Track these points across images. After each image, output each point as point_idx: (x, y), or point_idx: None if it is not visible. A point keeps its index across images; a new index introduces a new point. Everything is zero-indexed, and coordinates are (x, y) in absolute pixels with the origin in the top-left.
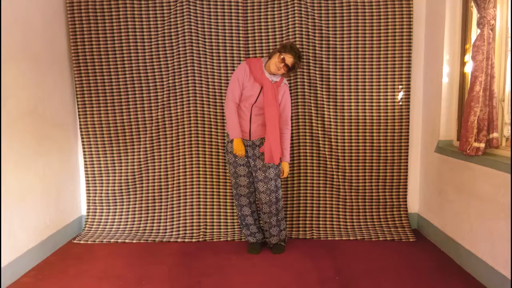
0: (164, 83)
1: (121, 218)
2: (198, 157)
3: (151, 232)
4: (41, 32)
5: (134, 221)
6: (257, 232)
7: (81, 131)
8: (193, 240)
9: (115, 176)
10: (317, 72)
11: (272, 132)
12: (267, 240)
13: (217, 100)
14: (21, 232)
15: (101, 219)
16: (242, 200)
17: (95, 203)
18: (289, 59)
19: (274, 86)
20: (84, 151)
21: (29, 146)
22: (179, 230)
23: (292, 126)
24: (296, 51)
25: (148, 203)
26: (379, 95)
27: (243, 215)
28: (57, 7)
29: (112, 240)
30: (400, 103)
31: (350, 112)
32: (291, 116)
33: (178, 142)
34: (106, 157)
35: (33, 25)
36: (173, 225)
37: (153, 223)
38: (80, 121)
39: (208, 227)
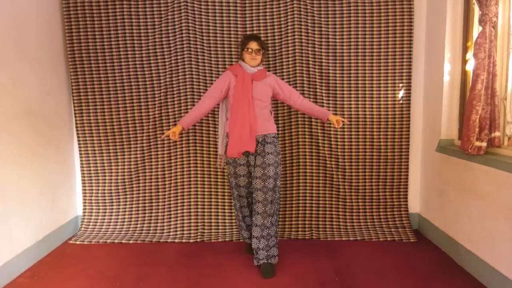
0: (161, 81)
1: (117, 218)
2: (196, 156)
3: (148, 232)
4: (37, 30)
5: (131, 221)
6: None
7: (77, 130)
8: (191, 240)
9: (111, 176)
10: (316, 70)
11: (233, 126)
12: (254, 257)
13: None
14: (17, 232)
15: (97, 219)
16: (242, 201)
17: (91, 203)
18: (252, 45)
19: (249, 77)
20: (80, 150)
21: (25, 146)
22: (176, 230)
23: (291, 125)
24: (252, 35)
25: (145, 203)
26: (380, 94)
27: (243, 216)
28: (53, 5)
29: (108, 241)
30: (401, 102)
31: (350, 111)
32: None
33: (176, 141)
34: (102, 156)
35: (29, 24)
36: (170, 225)
37: (150, 223)
38: (76, 120)
39: (206, 227)
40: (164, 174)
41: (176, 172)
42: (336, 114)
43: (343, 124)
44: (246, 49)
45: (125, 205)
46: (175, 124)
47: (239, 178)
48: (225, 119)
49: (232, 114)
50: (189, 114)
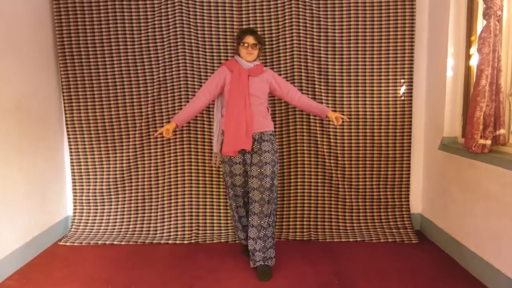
0: (155, 77)
1: (109, 219)
2: (190, 154)
3: (141, 234)
4: (26, 25)
5: (123, 222)
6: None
7: (67, 128)
8: (185, 241)
9: (102, 175)
10: (315, 66)
11: (228, 123)
12: (250, 259)
13: None
14: (4, 233)
15: (88, 219)
16: (238, 201)
17: (82, 203)
18: (248, 39)
19: (245, 72)
20: (70, 149)
21: (13, 144)
22: (170, 231)
23: (288, 122)
24: (248, 29)
25: (137, 203)
26: (380, 90)
27: (238, 216)
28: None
29: (100, 242)
30: (403, 98)
31: (350, 108)
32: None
33: (169, 139)
34: (93, 154)
35: (18, 18)
36: (164, 226)
37: (143, 224)
38: (66, 117)
39: (200, 228)
40: (157, 173)
41: (169, 171)
42: (335, 111)
43: (343, 122)
44: (242, 44)
45: (117, 205)
46: (168, 122)
47: (235, 177)
48: (220, 116)
49: (228, 111)
50: (183, 111)
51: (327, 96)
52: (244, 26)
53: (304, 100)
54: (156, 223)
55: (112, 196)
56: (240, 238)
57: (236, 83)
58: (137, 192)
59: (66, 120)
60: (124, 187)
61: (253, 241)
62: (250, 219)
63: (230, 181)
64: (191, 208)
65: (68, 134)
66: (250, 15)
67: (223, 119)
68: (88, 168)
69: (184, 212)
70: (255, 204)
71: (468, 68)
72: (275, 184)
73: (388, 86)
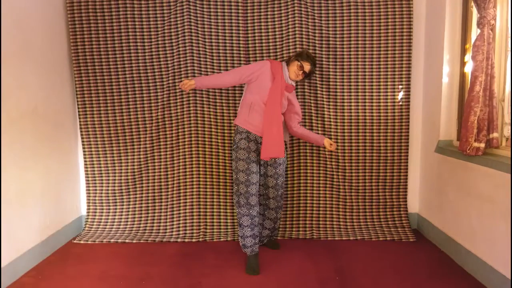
0: (164, 83)
1: (121, 218)
2: (198, 157)
3: (151, 232)
4: (41, 32)
5: (134, 221)
6: (258, 242)
7: (81, 131)
8: (193, 240)
9: (115, 176)
10: (317, 73)
11: (269, 127)
12: (263, 237)
13: (217, 100)
14: (21, 232)
15: (101, 219)
16: (253, 200)
17: (95, 203)
18: (307, 67)
19: (284, 85)
20: (84, 151)
21: (29, 146)
22: (179, 230)
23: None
24: (312, 58)
25: (148, 203)
26: (379, 95)
27: (251, 216)
28: (57, 7)
29: (112, 240)
30: (400, 103)
31: (350, 112)
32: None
33: (178, 142)
34: (106, 157)
35: (33, 25)
36: (173, 225)
37: (153, 223)
38: (80, 121)
39: (208, 227)
40: (166, 175)
41: (178, 172)
42: (336, 115)
43: (337, 148)
44: (299, 64)
45: (129, 205)
46: (177, 125)
47: (252, 175)
48: (247, 109)
49: (267, 116)
50: (207, 77)
51: (329, 102)
52: (250, 36)
53: (298, 130)
54: (166, 222)
55: (124, 197)
56: (249, 246)
57: (279, 93)
58: (148, 193)
59: (80, 124)
60: (135, 188)
61: (268, 231)
62: (266, 212)
63: (246, 178)
64: (199, 208)
65: (82, 138)
66: (256, 23)
67: (249, 114)
68: (101, 170)
69: (192, 212)
70: (270, 200)
71: (463, 75)
72: (284, 179)
73: (387, 92)
